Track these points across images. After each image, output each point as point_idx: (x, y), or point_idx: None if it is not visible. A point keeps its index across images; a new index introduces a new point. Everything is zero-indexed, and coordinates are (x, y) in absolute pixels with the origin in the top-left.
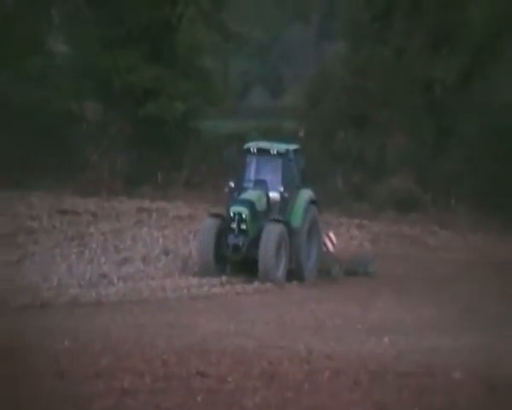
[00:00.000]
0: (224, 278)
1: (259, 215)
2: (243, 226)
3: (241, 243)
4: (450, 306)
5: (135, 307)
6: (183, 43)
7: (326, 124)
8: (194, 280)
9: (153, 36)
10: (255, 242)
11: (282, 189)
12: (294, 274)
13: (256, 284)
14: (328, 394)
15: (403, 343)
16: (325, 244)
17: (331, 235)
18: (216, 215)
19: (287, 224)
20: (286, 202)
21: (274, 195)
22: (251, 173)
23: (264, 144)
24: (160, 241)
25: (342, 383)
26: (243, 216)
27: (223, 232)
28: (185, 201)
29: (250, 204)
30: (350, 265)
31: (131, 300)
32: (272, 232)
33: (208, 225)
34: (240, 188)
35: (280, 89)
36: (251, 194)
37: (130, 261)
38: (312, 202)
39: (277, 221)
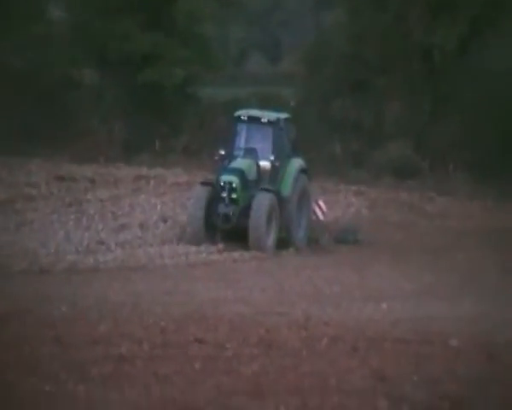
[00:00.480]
0: (221, 246)
1: (250, 184)
2: (233, 195)
3: (231, 213)
4: (448, 273)
5: (132, 273)
6: (182, 10)
7: (324, 91)
8: (192, 248)
9: (150, 3)
10: (245, 211)
11: (272, 157)
12: (285, 242)
13: (253, 252)
14: (326, 360)
15: (401, 310)
16: (315, 213)
17: (321, 203)
18: (206, 183)
19: (277, 193)
20: (276, 171)
21: (264, 163)
22: (241, 142)
23: (254, 112)
24: (158, 208)
25: (340, 349)
26: (233, 185)
27: (213, 201)
28: (184, 168)
29: (240, 173)
30: (339, 233)
31: (129, 266)
32: (263, 202)
33: (198, 193)
34: (230, 156)
35: (278, 55)
36: (241, 162)
37: (128, 228)
38: (303, 170)
39: (268, 190)
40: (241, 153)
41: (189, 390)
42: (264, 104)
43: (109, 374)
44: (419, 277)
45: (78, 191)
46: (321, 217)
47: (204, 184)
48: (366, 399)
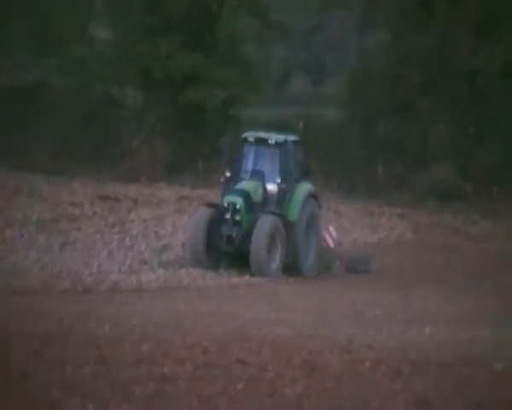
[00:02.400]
0: None
1: (255, 207)
2: (237, 217)
3: (234, 235)
4: (491, 297)
5: (175, 293)
6: (224, 30)
7: (367, 113)
8: (234, 269)
9: (193, 23)
10: (249, 234)
11: (279, 180)
12: (292, 269)
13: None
14: (368, 384)
15: (444, 334)
16: (325, 240)
17: (331, 230)
18: (210, 205)
19: (283, 217)
20: (283, 194)
21: (271, 186)
22: (248, 164)
23: (261, 134)
24: None
25: (383, 373)
26: (237, 207)
27: (216, 223)
28: None
29: (245, 195)
30: (350, 262)
31: (172, 286)
32: (265, 224)
33: (200, 214)
34: (236, 178)
35: (321, 77)
36: (247, 184)
37: (171, 248)
38: (312, 195)
39: (272, 213)
40: (248, 175)
41: None
42: (308, 126)
43: (152, 394)
44: (462, 300)
45: (122, 211)
46: (331, 244)
47: (207, 205)
48: None
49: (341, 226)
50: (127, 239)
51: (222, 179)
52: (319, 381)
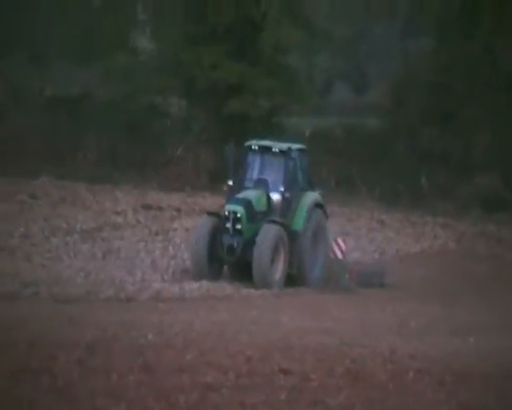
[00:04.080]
0: None
1: (258, 216)
2: (238, 226)
3: (235, 244)
4: None
5: (218, 302)
6: (268, 40)
7: (410, 121)
8: None
9: (237, 33)
10: (251, 243)
11: (282, 189)
12: (297, 281)
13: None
14: (412, 394)
15: (487, 344)
16: (333, 251)
17: (340, 241)
18: (212, 214)
19: (288, 227)
20: (287, 204)
21: (276, 195)
22: (252, 172)
23: (265, 142)
24: None
25: (426, 383)
26: (238, 215)
27: (219, 232)
28: None
29: (247, 203)
30: (363, 275)
31: (214, 295)
32: (268, 234)
33: (203, 224)
34: (240, 187)
35: (364, 86)
36: (249, 193)
37: None
38: (318, 205)
39: (275, 222)
40: (252, 184)
41: None
42: (350, 135)
43: (196, 402)
44: (506, 310)
45: (165, 220)
46: (340, 256)
47: (209, 214)
48: None
49: (385, 236)
50: (170, 248)
51: (225, 188)
52: (362, 390)
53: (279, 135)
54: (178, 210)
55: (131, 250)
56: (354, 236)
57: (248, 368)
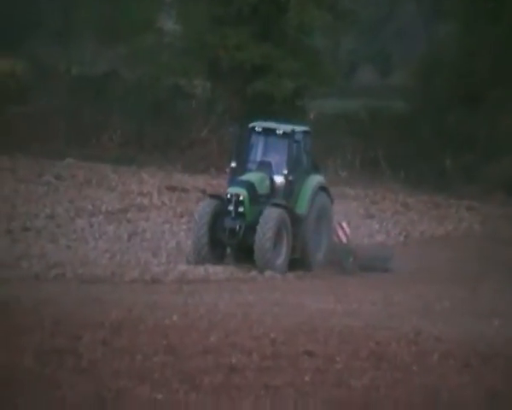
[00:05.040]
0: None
1: (261, 199)
2: (241, 209)
3: (237, 227)
4: None
5: (242, 284)
6: (293, 21)
7: (436, 104)
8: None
9: (262, 14)
10: (254, 227)
11: (285, 171)
12: (300, 264)
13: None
14: (437, 376)
15: None
16: (338, 235)
17: (344, 225)
18: (214, 196)
19: (291, 210)
20: (291, 187)
21: (279, 178)
22: (255, 154)
23: (269, 124)
24: None
25: (451, 365)
26: (241, 198)
27: (220, 215)
28: None
29: (250, 186)
30: (367, 259)
31: (239, 278)
32: (271, 217)
33: (204, 207)
34: (243, 169)
35: (389, 68)
36: (252, 175)
37: None
38: (322, 188)
39: (278, 205)
40: (255, 166)
41: (300, 402)
42: (375, 117)
43: (220, 384)
44: None
45: (190, 202)
46: (344, 240)
47: (212, 196)
48: None
49: (409, 219)
50: None
51: (228, 170)
52: (387, 372)
53: (303, 117)
54: (203, 192)
55: (156, 232)
56: (378, 218)
57: (273, 350)
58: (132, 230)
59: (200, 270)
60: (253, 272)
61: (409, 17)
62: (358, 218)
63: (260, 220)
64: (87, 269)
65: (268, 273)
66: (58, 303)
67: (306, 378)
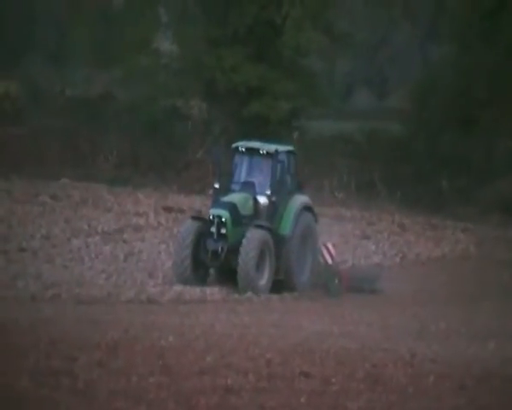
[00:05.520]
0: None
1: (244, 220)
2: (223, 231)
3: (219, 249)
4: None
5: (238, 305)
6: (289, 43)
7: (432, 126)
8: None
9: (258, 36)
10: (237, 248)
11: (269, 192)
12: (285, 286)
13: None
14: (432, 398)
15: (508, 348)
16: (323, 256)
17: (329, 246)
18: (196, 218)
19: (275, 231)
20: (274, 207)
21: (262, 199)
22: (239, 175)
23: (253, 144)
24: None
25: (447, 387)
26: (223, 220)
27: (203, 237)
28: None
29: (232, 207)
30: (355, 280)
31: (235, 299)
32: (254, 239)
33: (186, 228)
34: (227, 190)
35: (385, 90)
36: (235, 196)
37: None
38: (307, 208)
39: (261, 227)
40: (239, 186)
41: None
42: (371, 139)
43: (216, 405)
44: None
45: None
46: (329, 261)
47: (194, 218)
48: None
49: (405, 240)
50: None
51: (210, 191)
52: (383, 394)
53: (300, 138)
54: (199, 212)
55: (153, 252)
56: (375, 239)
57: (269, 371)
58: (128, 250)
59: (197, 290)
60: (249, 293)
61: (404, 40)
62: (355, 239)
63: (243, 242)
64: (83, 289)
65: (264, 294)
66: (54, 324)
67: (302, 400)
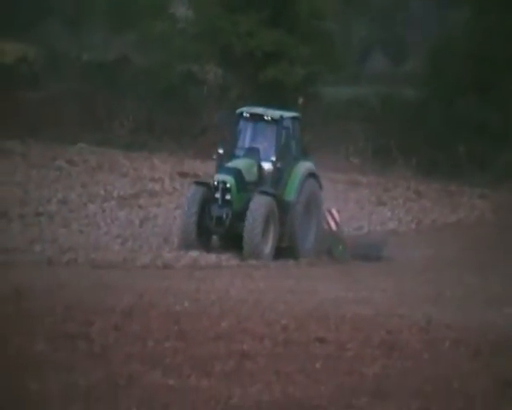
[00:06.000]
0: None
1: (248, 186)
2: (228, 197)
3: (224, 215)
4: None
5: (254, 271)
6: (305, 7)
7: (448, 91)
8: None
9: (274, 0)
10: (241, 215)
11: (274, 158)
12: (289, 253)
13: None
14: (448, 364)
15: None
16: (327, 222)
17: (334, 212)
18: (201, 184)
19: (280, 197)
20: (279, 174)
21: (267, 165)
22: (243, 140)
23: (257, 109)
24: None
25: (462, 353)
26: (227, 185)
27: (207, 203)
28: None
29: (237, 173)
30: (361, 247)
31: (251, 264)
32: (260, 206)
33: (192, 194)
34: (231, 155)
35: (401, 55)
36: (239, 162)
37: None
38: (311, 175)
39: (266, 193)
40: (243, 152)
41: (311, 389)
42: (386, 104)
43: (232, 370)
44: None
45: None
46: (333, 227)
47: (198, 184)
48: (490, 403)
49: (421, 206)
50: None
51: (214, 156)
52: (398, 360)
53: (315, 103)
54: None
55: (168, 218)
56: (390, 206)
57: (284, 337)
58: (144, 215)
59: (212, 256)
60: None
61: (421, 4)
62: (370, 205)
63: (250, 207)
64: (99, 254)
65: (279, 260)
66: (70, 288)
67: (317, 365)
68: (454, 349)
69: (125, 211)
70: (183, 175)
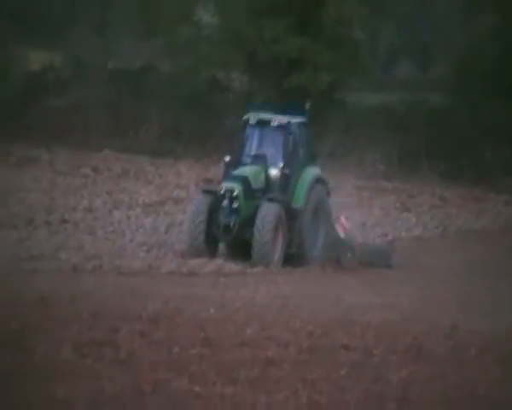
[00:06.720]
0: None
1: (256, 193)
2: (235, 205)
3: (232, 224)
4: None
5: (278, 277)
6: (331, 14)
7: (475, 97)
8: None
9: (299, 7)
10: (249, 222)
11: (281, 164)
12: (297, 260)
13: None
14: (474, 370)
15: None
16: (336, 230)
17: (342, 219)
18: (208, 192)
19: (287, 204)
20: (287, 180)
21: (274, 171)
22: (250, 147)
23: (264, 116)
24: None
25: (488, 359)
26: (235, 193)
27: (215, 211)
28: (329, 172)
29: (244, 180)
30: (368, 255)
31: (275, 271)
32: (268, 213)
33: (199, 203)
34: (238, 163)
35: (427, 61)
36: (246, 169)
37: None
38: (319, 181)
39: (273, 200)
40: (250, 159)
41: (337, 396)
42: (412, 110)
43: (257, 377)
44: None
45: None
46: (342, 234)
47: (206, 192)
48: None
49: (446, 213)
50: None
51: (222, 164)
52: (424, 367)
53: (340, 110)
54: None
55: None
56: (415, 212)
57: (310, 343)
58: (169, 222)
59: (237, 262)
60: (289, 266)
61: (448, 10)
62: (395, 211)
63: (259, 215)
64: (124, 261)
65: (304, 266)
66: (96, 295)
67: (343, 372)
68: (480, 356)
69: (151, 218)
70: (209, 182)
